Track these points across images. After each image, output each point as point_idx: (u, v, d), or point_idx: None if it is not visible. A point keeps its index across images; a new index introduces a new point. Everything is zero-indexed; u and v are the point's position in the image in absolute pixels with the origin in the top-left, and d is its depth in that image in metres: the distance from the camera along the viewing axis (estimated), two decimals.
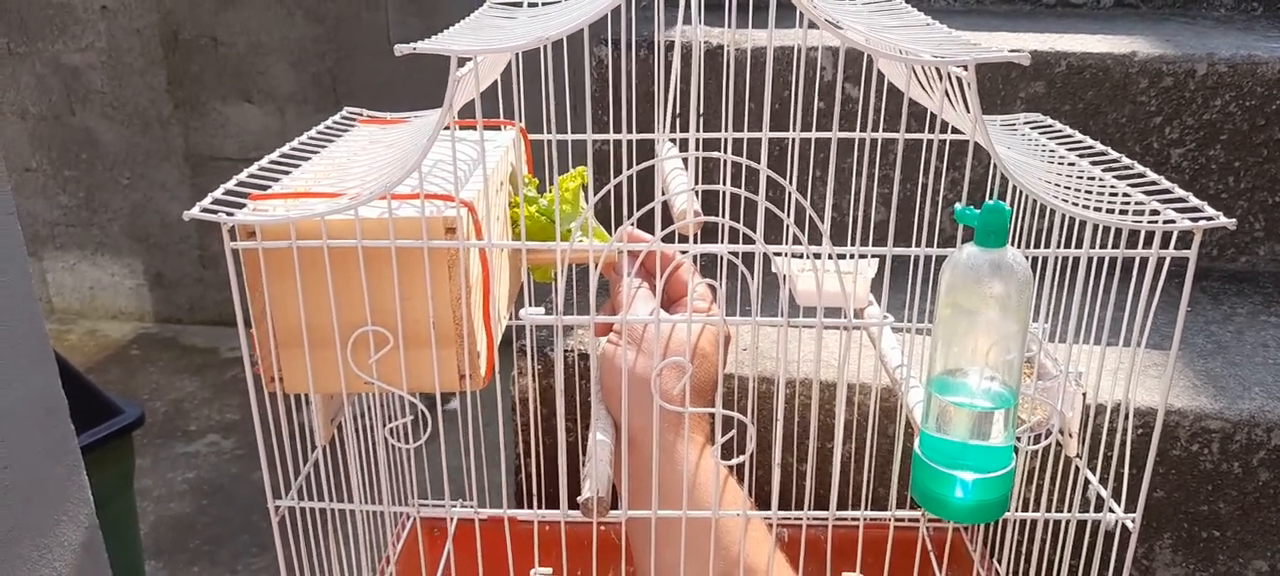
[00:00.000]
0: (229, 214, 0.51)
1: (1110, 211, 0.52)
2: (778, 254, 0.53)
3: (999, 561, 0.75)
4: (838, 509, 0.61)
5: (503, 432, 0.71)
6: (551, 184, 0.68)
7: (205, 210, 0.51)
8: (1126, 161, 0.61)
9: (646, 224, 0.55)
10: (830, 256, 0.53)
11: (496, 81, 0.66)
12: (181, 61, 2.45)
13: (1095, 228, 0.55)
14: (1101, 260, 0.57)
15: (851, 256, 0.59)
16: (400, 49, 0.49)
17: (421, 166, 0.49)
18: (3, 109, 2.47)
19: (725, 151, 0.61)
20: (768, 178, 0.51)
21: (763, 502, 0.64)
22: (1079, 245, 0.55)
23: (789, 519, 0.63)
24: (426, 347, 0.54)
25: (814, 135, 0.80)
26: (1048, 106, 1.05)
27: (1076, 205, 0.51)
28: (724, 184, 0.53)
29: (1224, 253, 1.07)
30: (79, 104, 2.48)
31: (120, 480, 1.36)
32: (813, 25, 0.50)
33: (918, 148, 0.87)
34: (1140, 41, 1.07)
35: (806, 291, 0.70)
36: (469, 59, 0.49)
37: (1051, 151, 0.67)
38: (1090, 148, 0.65)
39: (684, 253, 0.59)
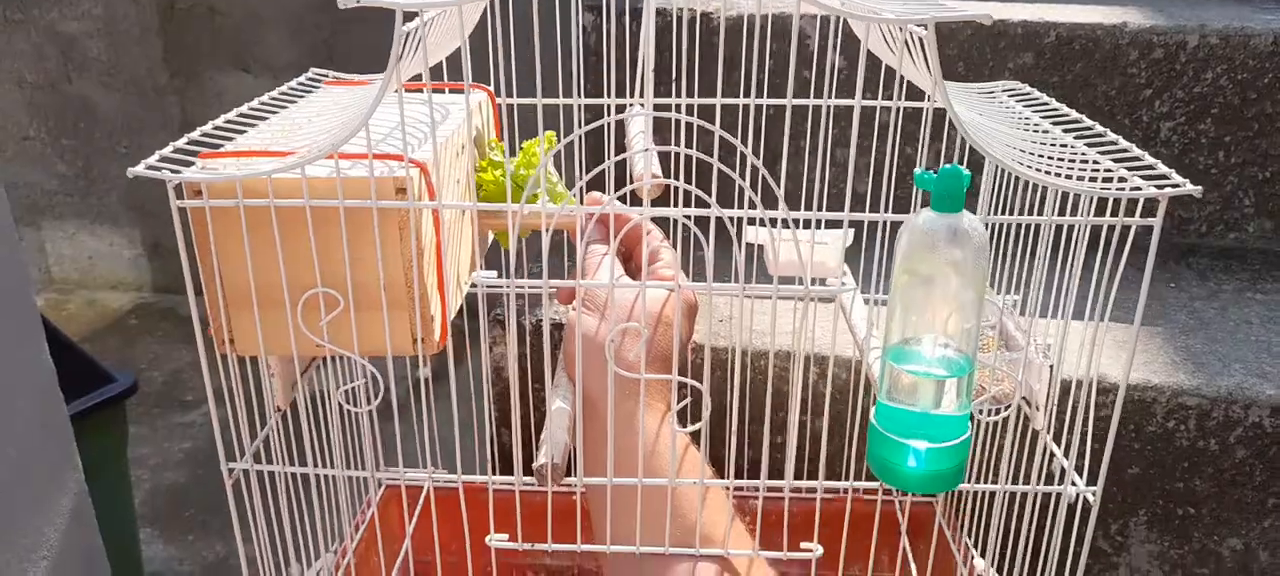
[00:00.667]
0: (175, 171, 0.50)
1: (1078, 178, 0.51)
2: (738, 219, 0.52)
3: (968, 533, 0.75)
4: (808, 479, 0.60)
5: (475, 402, 0.70)
6: (519, 148, 0.67)
7: (150, 167, 0.50)
8: (1100, 130, 0.60)
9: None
10: (800, 225, 0.52)
11: (466, 44, 0.65)
12: (178, 30, 2.43)
13: (1064, 195, 0.54)
14: (1074, 231, 0.56)
15: (814, 224, 0.58)
16: (344, 2, 0.48)
17: (368, 126, 0.48)
18: (1, 77, 2.46)
19: (684, 116, 0.60)
20: (739, 145, 0.50)
21: (725, 472, 0.63)
22: (1042, 212, 0.54)
23: (747, 488, 0.63)
24: (378, 310, 0.53)
25: (787, 102, 0.78)
26: (1036, 78, 1.03)
27: (1040, 171, 0.50)
28: (679, 146, 0.52)
29: (1213, 229, 1.06)
30: (76, 72, 2.47)
31: (113, 448, 1.36)
32: None
33: (913, 116, 0.86)
34: (1132, 12, 1.05)
35: (783, 261, 0.69)
36: (415, 13, 0.48)
37: (1026, 119, 0.66)
38: (1065, 116, 0.64)
39: (642, 217, 0.58)
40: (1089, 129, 0.61)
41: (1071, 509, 0.58)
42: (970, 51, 1.03)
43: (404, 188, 0.51)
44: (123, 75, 2.45)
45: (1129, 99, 1.02)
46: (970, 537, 0.74)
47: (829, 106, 0.69)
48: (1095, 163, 0.55)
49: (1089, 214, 0.52)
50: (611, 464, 0.55)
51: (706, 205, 0.50)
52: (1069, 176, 0.52)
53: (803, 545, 0.59)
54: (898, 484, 0.50)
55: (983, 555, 0.71)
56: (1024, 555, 0.62)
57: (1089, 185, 0.49)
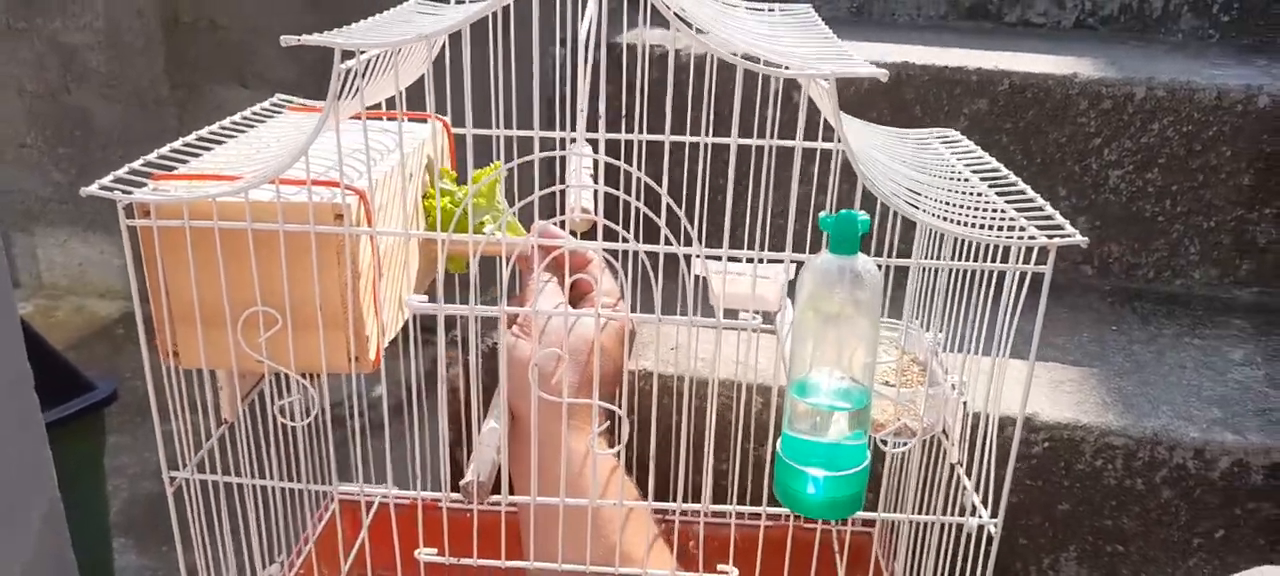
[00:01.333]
0: (125, 192, 0.53)
1: (978, 227, 0.54)
2: (672, 254, 0.55)
3: (905, 564, 0.77)
4: (738, 505, 0.63)
5: (421, 421, 0.73)
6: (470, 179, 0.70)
7: (103, 188, 0.53)
8: (1014, 180, 0.63)
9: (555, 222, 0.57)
10: (746, 260, 0.55)
11: (430, 73, 0.68)
12: (180, 44, 2.48)
13: (965, 242, 0.57)
14: (978, 274, 0.59)
15: (756, 260, 0.61)
16: (286, 40, 0.51)
17: (308, 154, 0.51)
18: (1, 85, 2.50)
19: (626, 154, 0.63)
20: (681, 181, 0.53)
21: (661, 497, 0.65)
22: (944, 257, 0.57)
23: (664, 510, 0.65)
24: (316, 330, 0.56)
25: (732, 141, 0.81)
26: (991, 123, 1.07)
27: (936, 217, 0.53)
28: (621, 181, 0.55)
29: (1160, 275, 1.08)
30: (76, 82, 2.51)
31: (90, 456, 1.37)
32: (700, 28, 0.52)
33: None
34: (1085, 63, 1.08)
35: (726, 294, 0.71)
36: (353, 53, 0.51)
37: (951, 167, 0.69)
38: (987, 165, 0.67)
39: (568, 247, 0.61)
40: (1004, 179, 0.64)
41: (987, 539, 0.60)
42: (927, 96, 1.07)
43: (342, 214, 0.54)
44: (124, 87, 2.49)
45: (1079, 147, 1.05)
46: (904, 567, 0.76)
47: (770, 147, 0.72)
48: (1001, 211, 0.58)
49: (989, 259, 0.55)
50: (535, 483, 0.58)
51: (642, 238, 0.53)
52: (969, 224, 0.55)
53: (719, 567, 0.61)
54: (799, 509, 0.53)
55: None
56: None
57: (979, 232, 0.52)
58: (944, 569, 0.65)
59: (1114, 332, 0.98)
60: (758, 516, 0.73)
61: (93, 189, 0.53)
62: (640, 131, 0.74)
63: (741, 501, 0.80)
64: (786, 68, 0.52)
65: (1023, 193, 0.60)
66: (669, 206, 0.53)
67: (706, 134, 0.72)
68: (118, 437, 1.73)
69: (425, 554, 0.61)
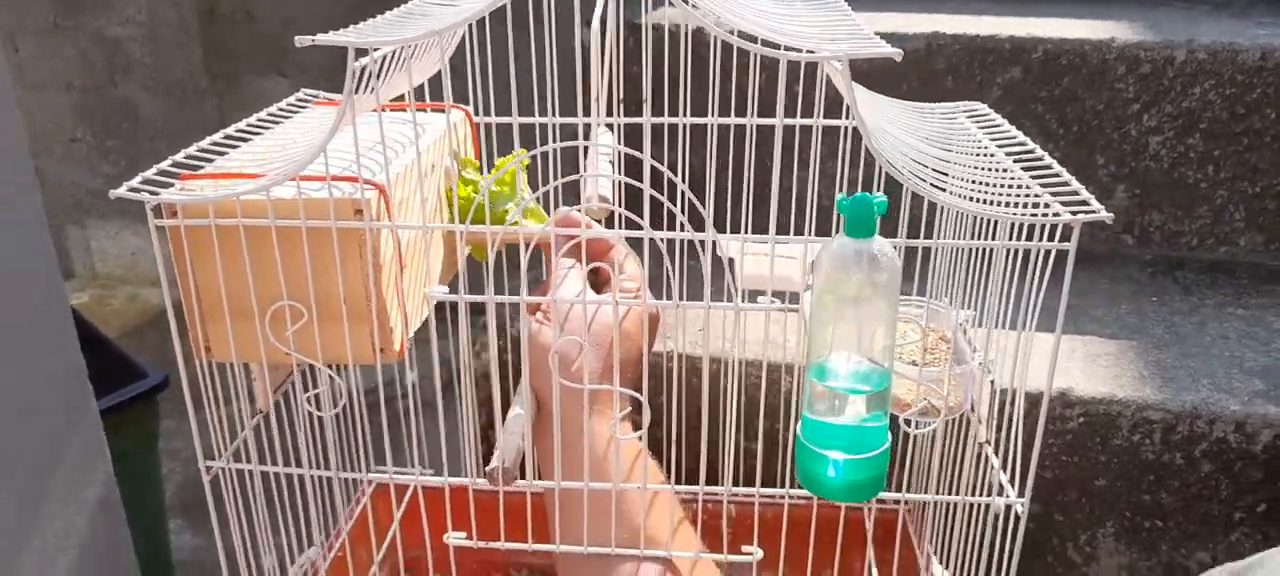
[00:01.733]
0: (153, 193, 0.54)
1: (1001, 205, 0.53)
2: (667, 238, 0.55)
3: (933, 542, 0.77)
4: (763, 487, 0.63)
5: (459, 405, 0.74)
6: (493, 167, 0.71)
7: (132, 189, 0.55)
8: (1041, 155, 0.61)
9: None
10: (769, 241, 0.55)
11: (447, 67, 0.68)
12: (218, 35, 2.51)
13: (992, 220, 0.56)
14: (1004, 251, 0.58)
15: (772, 241, 0.61)
16: (300, 40, 0.52)
17: (326, 151, 0.52)
18: (49, 82, 2.57)
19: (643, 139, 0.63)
20: (702, 163, 0.53)
21: (692, 477, 0.66)
22: (975, 235, 0.56)
23: (687, 493, 0.65)
24: (341, 322, 0.57)
25: (749, 121, 0.81)
26: (1025, 92, 1.04)
27: (963, 197, 0.52)
28: (618, 171, 0.55)
29: (1204, 242, 1.06)
30: (121, 76, 2.57)
31: (144, 441, 1.42)
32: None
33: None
34: (1122, 27, 1.05)
35: (749, 274, 0.71)
36: (367, 51, 0.52)
37: (978, 142, 0.67)
38: (1015, 139, 0.66)
39: (585, 235, 0.61)
40: (1031, 153, 0.63)
41: (1016, 519, 0.60)
42: (958, 66, 1.05)
43: (361, 209, 0.55)
44: (164, 78, 2.53)
45: (1117, 113, 1.03)
46: (933, 546, 0.76)
47: (780, 126, 0.72)
48: (1027, 187, 0.56)
49: (1002, 235, 0.54)
50: (559, 468, 0.58)
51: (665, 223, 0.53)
52: (993, 202, 0.54)
53: (744, 548, 0.61)
54: (820, 492, 0.53)
55: (945, 564, 0.73)
56: (978, 564, 0.64)
57: (1001, 210, 0.52)
58: (974, 548, 0.64)
59: (1154, 304, 0.96)
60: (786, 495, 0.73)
61: (121, 191, 0.54)
62: (665, 115, 0.74)
63: (773, 482, 0.81)
64: (801, 50, 0.52)
65: (1049, 167, 0.59)
66: (685, 190, 0.53)
67: (713, 115, 0.72)
68: (171, 422, 1.78)
69: (454, 537, 0.62)
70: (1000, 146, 0.65)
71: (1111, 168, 1.05)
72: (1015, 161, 0.61)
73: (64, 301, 0.97)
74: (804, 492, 0.52)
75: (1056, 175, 0.58)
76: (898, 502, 0.84)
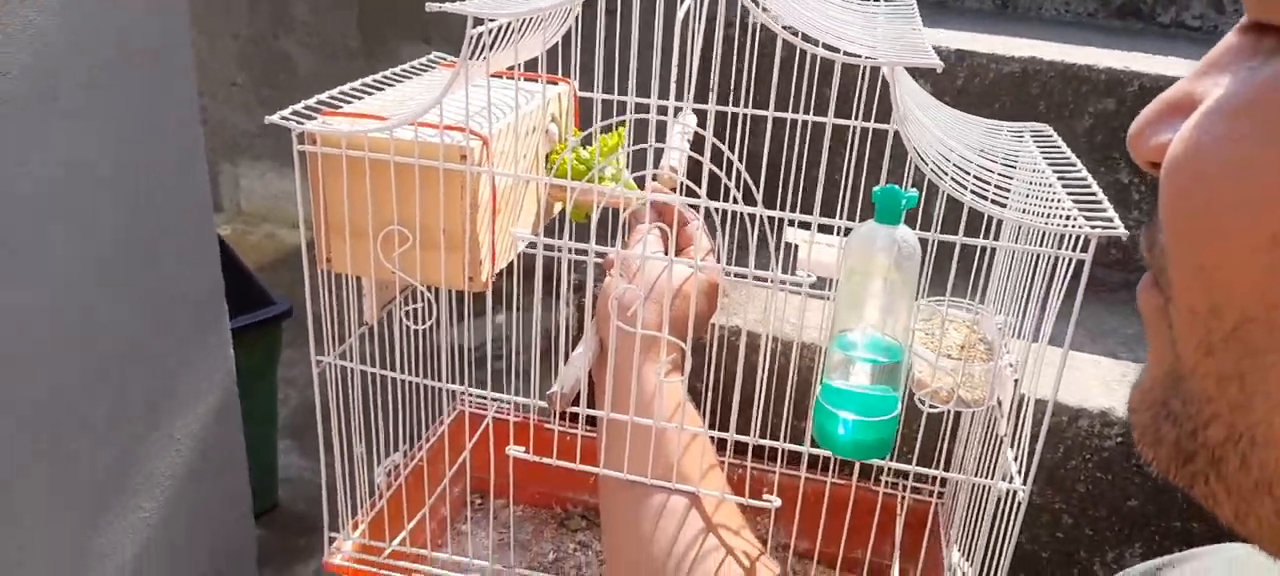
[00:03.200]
0: (299, 123, 0.65)
1: (1018, 210, 0.58)
2: (719, 213, 0.62)
3: (950, 527, 0.81)
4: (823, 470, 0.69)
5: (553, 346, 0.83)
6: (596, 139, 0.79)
7: (283, 117, 0.66)
8: (1086, 177, 0.66)
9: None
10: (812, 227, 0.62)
11: (544, 48, 0.77)
12: (374, 1, 2.71)
13: (1023, 227, 0.62)
14: (1037, 259, 0.63)
15: (813, 226, 0.67)
16: (431, 6, 0.62)
17: (442, 103, 0.62)
18: (220, 30, 2.81)
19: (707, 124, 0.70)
20: (761, 150, 0.60)
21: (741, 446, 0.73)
22: (993, 237, 0.61)
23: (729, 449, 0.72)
24: (439, 250, 0.67)
25: (827, 120, 0.87)
26: (1117, 123, 1.07)
27: (989, 201, 0.57)
28: (726, 148, 0.62)
29: None
30: (282, 30, 2.79)
31: (266, 363, 1.57)
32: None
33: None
34: None
35: (812, 261, 0.78)
36: (483, 19, 0.61)
37: (1034, 158, 0.72)
38: (1069, 163, 0.70)
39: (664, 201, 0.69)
40: (1079, 175, 0.67)
41: (1018, 505, 0.65)
42: (1052, 92, 1.08)
43: (466, 155, 0.64)
44: (321, 36, 2.75)
45: None
46: (956, 535, 0.81)
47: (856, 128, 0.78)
48: (1058, 200, 0.61)
49: (1023, 241, 0.59)
50: (609, 401, 0.67)
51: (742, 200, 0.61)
52: (1024, 210, 0.59)
53: (765, 496, 0.68)
54: (831, 448, 0.59)
55: (968, 553, 0.78)
56: (995, 549, 0.69)
57: (1011, 213, 0.57)
58: (985, 530, 0.69)
59: None
60: (827, 471, 0.80)
61: (274, 118, 0.65)
62: (739, 104, 0.81)
63: (816, 466, 0.87)
64: (844, 54, 0.58)
65: (1091, 190, 0.64)
66: (741, 169, 0.60)
67: (772, 109, 0.78)
68: (291, 351, 1.95)
69: (514, 450, 0.71)
70: (1052, 166, 0.69)
71: None
72: (1059, 179, 0.66)
73: (211, 226, 1.12)
74: (844, 476, 0.59)
75: (1093, 194, 0.62)
76: (932, 495, 0.89)
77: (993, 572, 0.67)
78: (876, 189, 0.56)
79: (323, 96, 0.70)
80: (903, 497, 0.87)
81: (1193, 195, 0.24)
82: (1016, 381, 0.67)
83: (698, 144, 0.69)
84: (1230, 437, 0.24)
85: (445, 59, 0.85)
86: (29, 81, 0.84)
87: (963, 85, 1.10)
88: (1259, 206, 0.22)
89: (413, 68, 0.82)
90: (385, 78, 0.78)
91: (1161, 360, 0.26)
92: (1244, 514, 0.24)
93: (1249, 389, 0.23)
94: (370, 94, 0.74)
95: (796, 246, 0.74)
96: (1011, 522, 0.63)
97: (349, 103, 0.71)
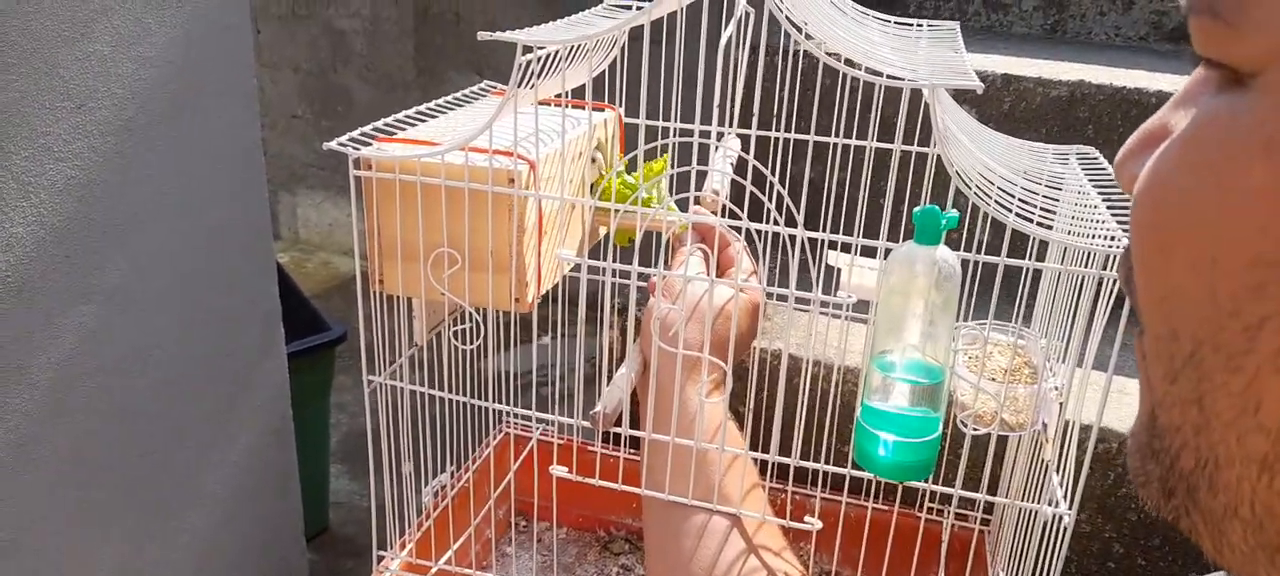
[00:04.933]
0: (356, 148, 0.68)
1: (1066, 232, 0.58)
2: (763, 232, 0.63)
3: (996, 560, 0.80)
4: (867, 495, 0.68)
5: (597, 368, 0.84)
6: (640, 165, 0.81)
7: (340, 144, 0.68)
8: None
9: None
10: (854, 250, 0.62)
11: (590, 77, 0.79)
12: (428, 34, 2.78)
13: (1068, 248, 0.61)
14: (1083, 285, 0.63)
15: (855, 249, 0.68)
16: (483, 35, 0.64)
17: (491, 129, 0.64)
18: (282, 63, 2.90)
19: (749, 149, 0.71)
20: (807, 177, 0.61)
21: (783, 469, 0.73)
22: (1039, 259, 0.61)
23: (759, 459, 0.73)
24: (487, 272, 0.68)
25: (869, 143, 0.87)
26: None
27: (1024, 220, 0.58)
28: (768, 172, 0.63)
29: None
30: (341, 64, 2.88)
31: (319, 386, 1.61)
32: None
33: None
34: None
35: (853, 283, 0.78)
36: (532, 48, 0.63)
37: (1080, 180, 0.72)
38: (1112, 180, 0.70)
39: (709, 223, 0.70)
40: (1126, 198, 0.66)
41: (1064, 530, 0.64)
42: (1100, 116, 1.07)
43: (514, 178, 0.66)
44: (378, 69, 2.82)
45: None
46: (1003, 562, 0.80)
47: (871, 148, 0.78)
48: (1105, 222, 0.61)
49: (1061, 261, 0.59)
50: (651, 421, 0.68)
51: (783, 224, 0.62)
52: (1060, 230, 0.59)
53: (806, 519, 0.68)
54: (872, 469, 0.59)
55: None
56: (1043, 574, 0.68)
57: (1052, 233, 0.57)
58: (1032, 557, 0.68)
59: None
60: (869, 497, 0.80)
61: (333, 144, 0.68)
62: (781, 129, 0.82)
63: (859, 492, 0.86)
64: (887, 77, 0.59)
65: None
66: (782, 192, 0.61)
67: (812, 133, 0.79)
68: (344, 377, 2.00)
69: (557, 470, 0.72)
70: (1097, 187, 0.69)
71: None
72: (1104, 200, 0.66)
73: (271, 253, 1.15)
74: (887, 502, 0.59)
75: None
76: (976, 522, 0.88)
77: None
78: (917, 210, 0.57)
79: (378, 124, 0.73)
80: (947, 524, 0.86)
81: (1152, 225, 0.25)
82: (1062, 405, 0.67)
83: (741, 168, 0.70)
84: (1198, 464, 0.24)
85: (495, 87, 0.88)
86: (106, 111, 0.88)
87: (1009, 109, 1.09)
88: (1198, 230, 0.23)
89: (464, 96, 0.84)
90: (438, 106, 0.80)
91: (1145, 403, 0.27)
92: (1219, 542, 0.25)
93: (1206, 411, 0.24)
94: (423, 121, 0.76)
95: (838, 270, 0.74)
96: (1058, 548, 0.62)
97: (402, 129, 0.74)
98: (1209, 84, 0.25)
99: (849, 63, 0.61)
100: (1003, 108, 1.09)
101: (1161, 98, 1.04)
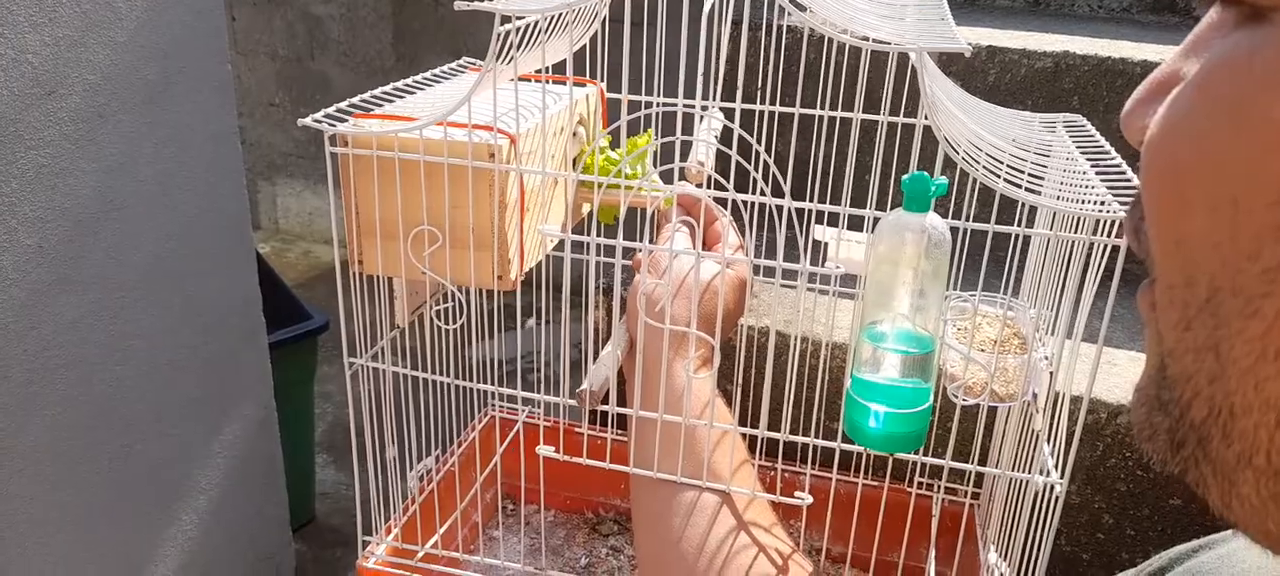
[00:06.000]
0: (331, 125, 0.66)
1: (1036, 193, 0.57)
2: (741, 202, 0.62)
3: (986, 530, 0.80)
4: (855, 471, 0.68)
5: (582, 347, 0.83)
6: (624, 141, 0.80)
7: (315, 120, 0.67)
8: (1122, 167, 0.65)
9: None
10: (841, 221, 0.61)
11: (571, 50, 0.78)
12: (407, 19, 2.74)
13: (1057, 214, 0.61)
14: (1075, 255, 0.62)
15: (842, 221, 0.67)
16: (460, 5, 0.62)
17: (470, 102, 0.62)
18: (258, 50, 2.86)
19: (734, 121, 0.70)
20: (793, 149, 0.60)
21: (772, 444, 0.72)
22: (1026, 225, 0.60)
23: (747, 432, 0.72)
24: (469, 249, 0.67)
25: (855, 116, 0.86)
26: None
27: (1013, 186, 0.57)
28: (756, 145, 0.62)
29: None
30: (319, 50, 2.84)
31: (302, 376, 1.59)
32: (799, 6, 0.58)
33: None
34: None
35: (840, 256, 0.77)
36: (509, 17, 0.62)
37: (1068, 148, 0.71)
38: (1105, 153, 0.69)
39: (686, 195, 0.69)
40: (1114, 164, 0.66)
41: (1056, 499, 0.63)
42: (1086, 87, 1.06)
43: (494, 153, 0.64)
44: (357, 55, 2.79)
45: None
46: (993, 535, 0.79)
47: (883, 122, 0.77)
48: (1094, 188, 0.60)
49: (1054, 227, 0.58)
50: (638, 399, 0.66)
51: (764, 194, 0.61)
52: (1051, 195, 0.58)
53: (796, 494, 0.67)
54: (863, 441, 0.58)
55: (1005, 553, 0.77)
56: (1032, 548, 0.67)
57: (1035, 197, 0.56)
58: (1022, 528, 0.68)
59: None
60: (859, 472, 0.79)
61: (308, 121, 0.66)
62: (765, 102, 0.81)
63: (848, 468, 0.86)
64: (873, 40, 0.58)
65: (1124, 174, 0.63)
66: (769, 161, 0.60)
67: (797, 105, 0.78)
68: (327, 368, 1.98)
69: (544, 449, 0.71)
70: (1085, 154, 0.68)
71: None
72: (1093, 167, 0.65)
73: (250, 242, 1.13)
74: (877, 478, 0.58)
75: (1128, 180, 0.61)
76: (966, 497, 0.87)
77: (1030, 573, 0.66)
78: (905, 177, 0.56)
79: (354, 100, 0.71)
80: (937, 498, 0.86)
81: (1166, 171, 0.24)
82: (1052, 375, 0.66)
83: (726, 139, 0.69)
84: (1212, 414, 0.24)
85: (474, 63, 0.86)
86: (77, 98, 0.86)
87: (994, 82, 1.09)
88: (1217, 172, 0.23)
89: (443, 72, 0.83)
90: (415, 82, 0.79)
91: (1153, 355, 0.27)
92: (1228, 494, 0.24)
93: (1223, 359, 0.23)
94: (400, 97, 0.75)
95: (825, 243, 0.73)
96: (1049, 519, 0.62)
97: (379, 106, 0.72)
98: (1224, 25, 0.24)
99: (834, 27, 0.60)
100: (988, 80, 1.08)
101: (1147, 67, 1.03)
